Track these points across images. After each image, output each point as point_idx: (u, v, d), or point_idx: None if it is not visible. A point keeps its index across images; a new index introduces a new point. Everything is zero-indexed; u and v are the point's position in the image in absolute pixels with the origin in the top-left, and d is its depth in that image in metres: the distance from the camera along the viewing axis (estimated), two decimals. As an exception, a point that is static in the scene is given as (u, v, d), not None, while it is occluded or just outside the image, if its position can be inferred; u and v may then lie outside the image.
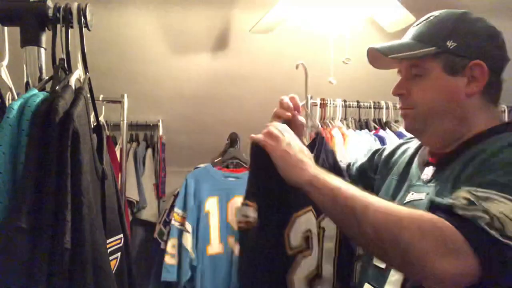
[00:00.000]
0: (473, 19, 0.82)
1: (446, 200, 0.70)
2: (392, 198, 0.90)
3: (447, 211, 0.68)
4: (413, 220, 0.68)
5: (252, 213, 0.88)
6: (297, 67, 1.01)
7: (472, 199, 0.67)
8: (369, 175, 1.06)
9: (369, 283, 0.88)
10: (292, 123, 0.96)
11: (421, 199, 0.81)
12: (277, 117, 0.96)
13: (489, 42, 0.81)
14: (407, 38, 0.87)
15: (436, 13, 0.85)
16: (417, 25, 0.86)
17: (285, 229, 0.93)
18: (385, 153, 1.04)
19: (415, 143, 0.98)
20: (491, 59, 0.80)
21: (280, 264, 0.92)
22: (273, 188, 0.90)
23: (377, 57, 0.87)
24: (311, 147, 1.04)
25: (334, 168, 1.04)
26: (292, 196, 0.92)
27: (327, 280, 0.98)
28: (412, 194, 0.85)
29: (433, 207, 0.72)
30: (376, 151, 1.09)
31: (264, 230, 0.89)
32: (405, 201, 0.85)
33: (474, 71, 0.79)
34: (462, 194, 0.69)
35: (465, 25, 0.81)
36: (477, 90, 0.80)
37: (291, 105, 0.97)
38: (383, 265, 0.85)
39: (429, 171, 0.86)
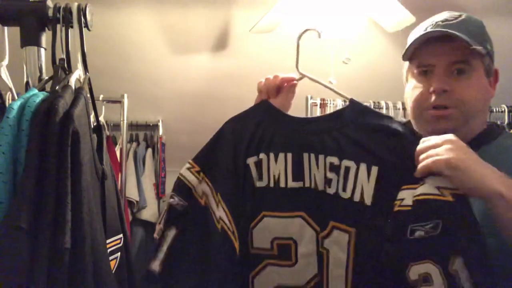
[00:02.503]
0: None
1: None
2: None
3: None
4: None
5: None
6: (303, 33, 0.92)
7: None
8: None
9: None
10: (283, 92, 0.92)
11: None
12: (266, 90, 0.91)
13: None
14: (452, 29, 0.81)
15: (460, 12, 0.84)
16: (453, 20, 0.83)
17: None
18: None
19: None
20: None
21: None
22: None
23: (423, 44, 0.83)
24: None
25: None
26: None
27: None
28: None
29: None
30: None
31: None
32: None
33: (493, 76, 0.85)
34: None
35: (487, 32, 0.85)
36: (494, 94, 0.86)
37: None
38: None
39: None
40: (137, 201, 2.40)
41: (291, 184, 0.84)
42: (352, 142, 0.80)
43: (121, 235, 0.99)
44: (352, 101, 0.86)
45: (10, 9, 0.91)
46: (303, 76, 0.87)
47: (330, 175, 0.81)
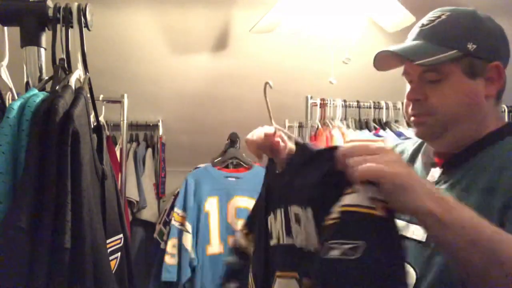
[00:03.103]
0: (484, 19, 0.80)
1: None
2: None
3: None
4: None
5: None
6: (265, 86, 0.82)
7: None
8: None
9: None
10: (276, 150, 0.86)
11: None
12: (260, 146, 0.84)
13: (501, 42, 0.80)
14: (419, 38, 0.81)
15: (445, 11, 0.81)
16: (428, 24, 0.81)
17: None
18: None
19: (412, 142, 0.95)
20: (504, 58, 0.79)
21: None
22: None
23: (385, 59, 0.84)
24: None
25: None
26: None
27: None
28: None
29: None
30: None
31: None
32: None
33: (492, 73, 0.78)
34: None
35: (481, 26, 0.79)
36: (495, 91, 0.79)
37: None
38: None
39: (435, 173, 0.82)
40: (137, 201, 2.41)
41: (285, 240, 0.78)
42: (298, 186, 0.74)
43: (121, 235, 0.99)
44: (296, 142, 0.78)
45: (10, 9, 0.91)
46: (278, 129, 0.82)
47: (295, 226, 0.74)
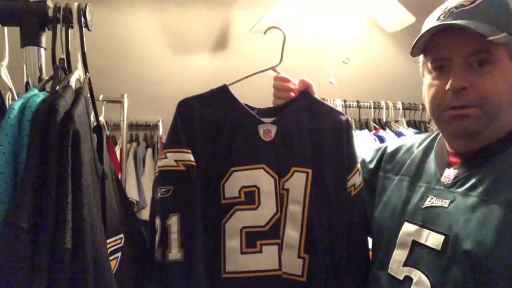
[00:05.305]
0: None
1: None
2: (406, 201, 0.83)
3: None
4: None
5: (191, 157, 0.98)
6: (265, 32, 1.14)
7: None
8: (372, 172, 1.00)
9: None
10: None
11: (444, 207, 0.74)
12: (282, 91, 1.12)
13: None
14: (465, 18, 0.71)
15: None
16: (468, 5, 0.72)
17: (221, 180, 0.97)
18: (388, 150, 0.98)
19: (422, 138, 0.91)
20: None
21: (215, 211, 0.97)
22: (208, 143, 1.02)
23: (436, 35, 0.74)
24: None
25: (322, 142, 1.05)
26: (232, 152, 0.99)
27: (291, 247, 0.93)
28: (432, 199, 0.77)
29: None
30: (378, 149, 1.02)
31: (204, 178, 0.97)
32: (423, 206, 0.78)
33: None
34: None
35: None
36: None
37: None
38: (400, 276, 0.77)
39: (450, 173, 0.77)
40: (137, 201, 2.40)
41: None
42: None
43: (121, 235, 0.99)
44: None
45: (10, 9, 0.91)
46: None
47: None
